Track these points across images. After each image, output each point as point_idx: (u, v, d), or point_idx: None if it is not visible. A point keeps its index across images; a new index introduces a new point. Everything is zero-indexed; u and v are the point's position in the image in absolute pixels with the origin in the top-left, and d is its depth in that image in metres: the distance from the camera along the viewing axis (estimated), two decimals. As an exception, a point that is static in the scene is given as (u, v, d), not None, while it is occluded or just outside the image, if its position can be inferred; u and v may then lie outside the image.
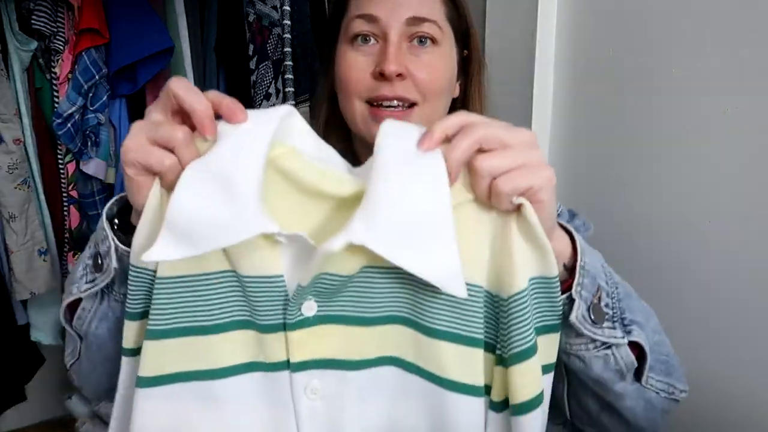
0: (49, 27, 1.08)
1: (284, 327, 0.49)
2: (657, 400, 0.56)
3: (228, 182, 0.42)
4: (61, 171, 1.22)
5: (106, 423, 1.29)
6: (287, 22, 1.29)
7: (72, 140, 1.15)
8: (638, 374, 0.54)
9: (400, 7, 0.60)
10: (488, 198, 0.44)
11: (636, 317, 0.54)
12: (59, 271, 1.22)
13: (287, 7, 1.29)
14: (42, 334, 1.23)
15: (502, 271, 0.46)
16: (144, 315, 0.49)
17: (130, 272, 0.48)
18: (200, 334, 0.49)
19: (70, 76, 1.13)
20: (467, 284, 0.45)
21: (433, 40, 0.61)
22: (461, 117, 0.45)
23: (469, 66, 0.68)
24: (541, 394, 0.47)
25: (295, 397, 0.50)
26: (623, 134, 0.87)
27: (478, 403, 0.48)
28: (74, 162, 1.19)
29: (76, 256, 1.19)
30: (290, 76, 1.30)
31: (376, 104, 0.61)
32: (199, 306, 0.49)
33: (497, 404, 0.48)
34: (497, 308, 0.47)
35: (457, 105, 0.65)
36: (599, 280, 0.52)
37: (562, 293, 0.49)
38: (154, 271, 0.48)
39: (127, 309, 0.49)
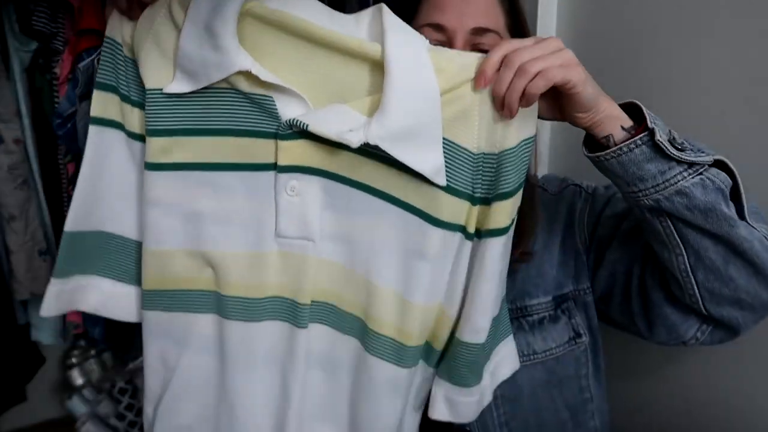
0: (49, 28, 1.08)
1: (276, 136, 0.59)
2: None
3: (211, 33, 0.56)
4: (61, 171, 1.22)
5: (106, 423, 1.29)
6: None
7: (72, 141, 1.14)
8: (739, 211, 0.58)
9: (466, 17, 0.66)
10: (506, 90, 0.54)
11: (711, 152, 0.59)
12: (59, 271, 1.22)
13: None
14: (42, 334, 1.23)
15: (496, 134, 0.57)
16: (109, 88, 0.62)
17: (105, 43, 0.61)
18: (197, 135, 0.61)
19: (70, 76, 1.13)
20: (460, 147, 0.58)
21: None
22: (501, 49, 0.55)
23: None
24: (510, 227, 0.60)
25: (276, 192, 0.61)
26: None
27: (452, 236, 0.60)
28: (74, 162, 1.19)
29: (76, 256, 1.19)
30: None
31: None
32: (197, 111, 0.60)
33: (471, 234, 0.60)
34: (489, 164, 0.58)
35: None
36: (669, 128, 0.58)
37: (635, 136, 0.56)
38: (121, 46, 0.61)
39: (97, 78, 0.62)
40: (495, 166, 0.58)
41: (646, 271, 0.68)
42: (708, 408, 0.85)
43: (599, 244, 0.73)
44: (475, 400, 0.65)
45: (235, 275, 0.63)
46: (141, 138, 0.64)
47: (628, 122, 0.58)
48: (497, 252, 0.59)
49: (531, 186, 0.70)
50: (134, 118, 0.63)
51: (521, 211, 0.61)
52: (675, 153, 0.56)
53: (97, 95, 0.64)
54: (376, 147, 0.56)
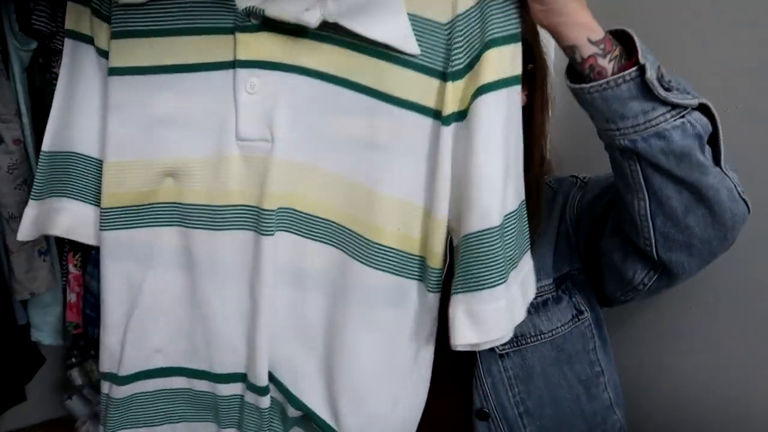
0: (49, 27, 1.07)
1: (234, 30, 0.58)
2: (735, 194, 0.58)
3: None
4: (61, 171, 1.21)
5: (106, 423, 1.28)
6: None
7: (72, 140, 1.14)
8: (716, 156, 0.57)
9: None
10: None
11: (695, 94, 0.57)
12: (59, 271, 1.22)
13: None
14: (42, 334, 1.23)
15: None
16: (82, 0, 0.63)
17: None
18: (155, 36, 0.61)
19: (70, 76, 1.12)
20: (426, 19, 0.54)
21: None
22: None
23: (533, 78, 0.74)
24: (510, 80, 0.53)
25: (236, 91, 0.59)
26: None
27: (419, 120, 0.56)
28: (74, 162, 1.19)
29: (77, 256, 1.19)
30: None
31: None
32: (155, 13, 0.60)
33: (448, 117, 0.54)
34: (467, 23, 0.53)
35: (525, 113, 0.66)
36: (658, 63, 0.55)
37: (624, 70, 0.53)
38: None
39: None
40: (479, 17, 0.53)
41: (605, 224, 0.69)
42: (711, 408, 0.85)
43: (579, 223, 0.76)
44: (504, 306, 0.55)
45: (198, 182, 0.62)
46: (107, 55, 0.64)
47: (597, 34, 0.55)
48: (492, 111, 0.53)
49: (538, 185, 0.70)
50: (103, 34, 0.63)
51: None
52: (662, 94, 0.54)
53: (71, 7, 0.64)
54: (335, 25, 0.54)
